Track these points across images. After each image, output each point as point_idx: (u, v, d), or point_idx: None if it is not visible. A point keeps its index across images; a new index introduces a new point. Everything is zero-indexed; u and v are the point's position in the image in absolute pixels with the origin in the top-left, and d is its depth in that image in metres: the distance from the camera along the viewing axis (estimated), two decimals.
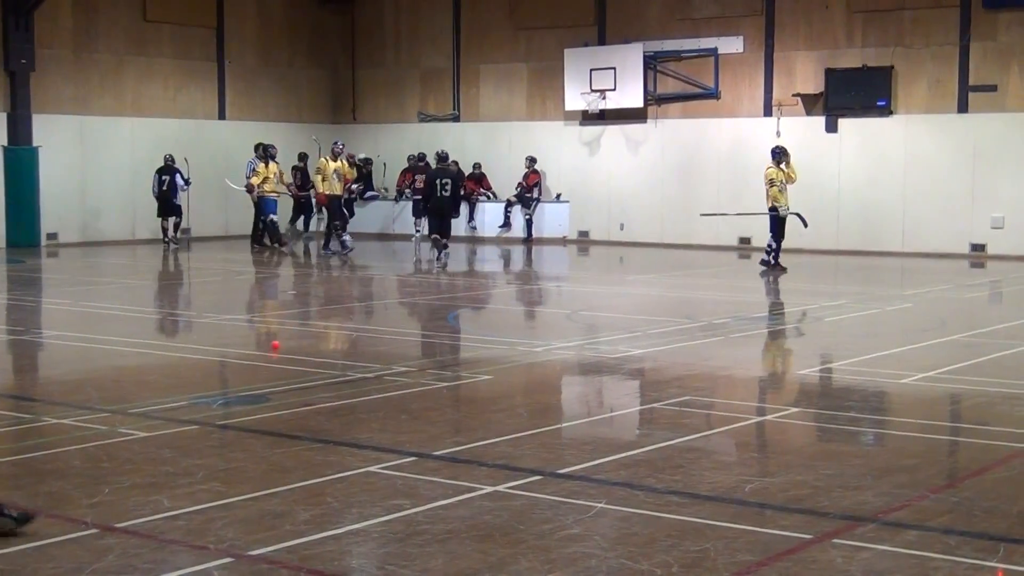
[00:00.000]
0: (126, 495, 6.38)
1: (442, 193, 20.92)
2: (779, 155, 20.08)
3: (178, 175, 25.62)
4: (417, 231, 25.62)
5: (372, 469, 6.96)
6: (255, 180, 24.57)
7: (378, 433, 7.99)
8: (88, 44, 26.18)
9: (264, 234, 24.83)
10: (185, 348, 11.76)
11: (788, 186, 20.07)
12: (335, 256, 22.89)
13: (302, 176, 27.61)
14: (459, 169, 25.89)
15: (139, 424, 8.14)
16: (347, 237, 23.28)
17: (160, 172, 25.60)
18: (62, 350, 12.04)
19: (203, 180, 27.58)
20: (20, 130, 24.87)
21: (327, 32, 30.85)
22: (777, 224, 20.10)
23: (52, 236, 25.63)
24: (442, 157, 22.19)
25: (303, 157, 28.03)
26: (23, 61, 24.69)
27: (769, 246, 20.19)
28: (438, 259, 20.93)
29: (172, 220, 25.79)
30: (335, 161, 23.24)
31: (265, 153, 24.88)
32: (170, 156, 25.82)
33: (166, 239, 25.65)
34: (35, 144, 25.00)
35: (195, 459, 7.20)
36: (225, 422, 8.35)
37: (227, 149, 27.76)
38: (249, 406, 8.83)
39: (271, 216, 24.61)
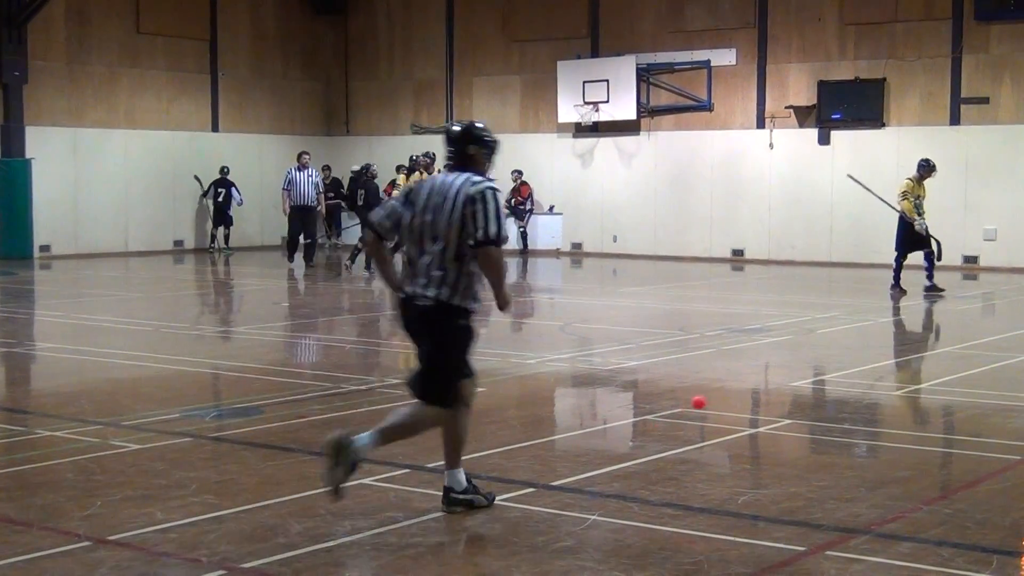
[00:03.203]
0: (119, 507, 6.37)
1: (359, 203, 22.24)
2: (922, 168, 18.41)
3: (234, 189, 27.34)
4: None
5: (365, 481, 6.94)
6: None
7: None
8: (81, 56, 26.19)
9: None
10: (178, 360, 11.74)
11: (922, 202, 18.27)
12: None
13: (329, 186, 28.27)
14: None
15: (132, 436, 8.12)
16: None
17: (216, 184, 27.31)
18: (55, 362, 12.02)
19: (191, 193, 27.80)
20: (13, 142, 24.88)
21: (320, 44, 30.89)
22: (904, 237, 18.30)
23: (45, 248, 25.61)
24: (358, 170, 23.45)
25: (326, 168, 28.44)
26: (16, 73, 24.69)
27: (927, 270, 18.34)
28: (367, 268, 21.89)
29: (222, 230, 27.65)
30: (418, 174, 21.89)
31: (410, 164, 23.51)
32: (226, 168, 27.31)
33: (212, 247, 27.59)
34: (28, 156, 24.99)
35: (188, 471, 7.19)
36: (218, 434, 8.33)
37: (221, 161, 27.74)
38: (242, 418, 8.81)
39: None
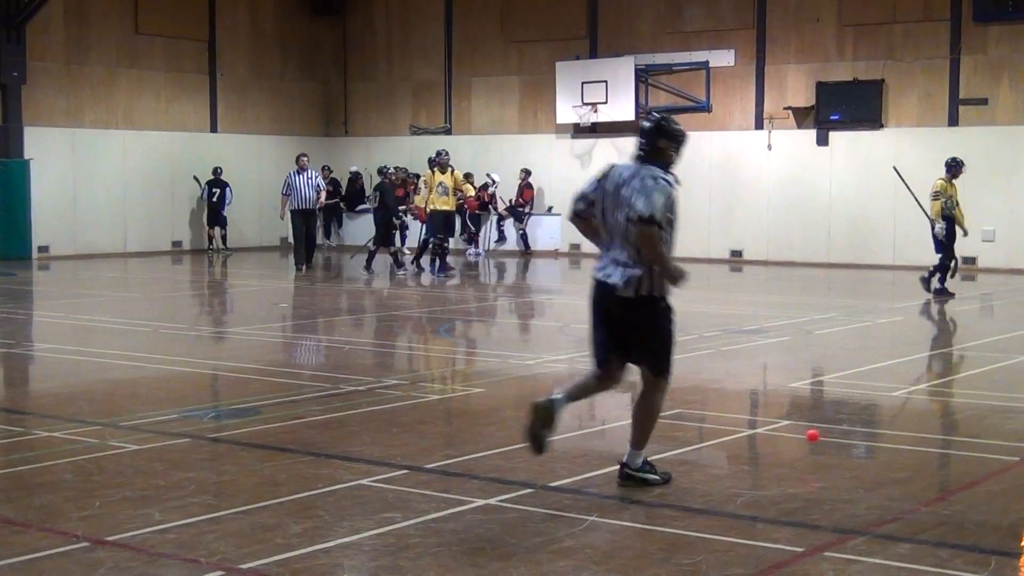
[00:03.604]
0: (117, 508, 6.37)
1: (375, 204, 22.51)
2: (952, 167, 17.84)
3: (227, 189, 27.42)
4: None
5: (363, 482, 6.94)
6: (420, 198, 22.31)
7: (369, 446, 7.97)
8: (80, 57, 26.19)
9: (426, 252, 22.50)
10: (176, 361, 11.74)
11: (955, 203, 17.67)
12: (446, 277, 21.35)
13: (332, 185, 28.73)
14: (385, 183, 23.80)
15: (130, 437, 8.12)
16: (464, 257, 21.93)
17: (211, 184, 27.41)
18: (53, 363, 12.01)
19: (189, 193, 27.82)
20: (12, 143, 24.87)
21: (319, 45, 30.88)
22: (940, 240, 17.77)
23: (44, 249, 25.60)
24: (379, 170, 23.69)
25: (325, 168, 28.56)
26: (15, 73, 24.69)
27: (937, 267, 17.90)
28: (367, 268, 22.18)
29: (218, 231, 27.66)
30: (443, 173, 21.43)
31: (430, 165, 22.37)
32: (219, 168, 27.40)
33: (211, 247, 27.60)
34: (27, 157, 24.99)
35: (186, 472, 7.18)
36: (216, 435, 8.33)
37: (219, 162, 27.75)
38: (240, 419, 8.81)
39: (431, 236, 22.07)
